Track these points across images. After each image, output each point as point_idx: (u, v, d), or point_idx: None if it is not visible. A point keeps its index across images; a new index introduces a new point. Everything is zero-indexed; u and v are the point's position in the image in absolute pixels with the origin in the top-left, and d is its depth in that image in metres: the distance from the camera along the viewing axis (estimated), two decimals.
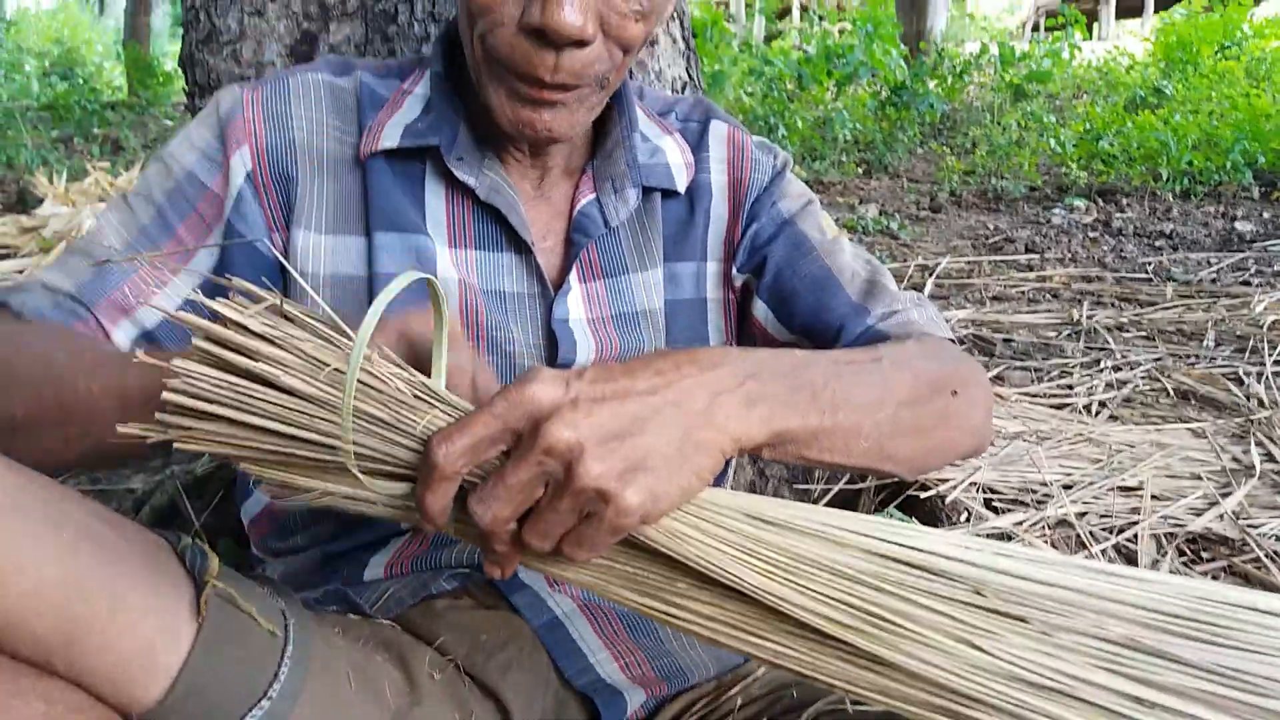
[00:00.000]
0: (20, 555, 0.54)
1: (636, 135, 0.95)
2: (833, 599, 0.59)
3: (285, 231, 0.87)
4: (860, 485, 1.66)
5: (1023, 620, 0.57)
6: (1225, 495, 1.58)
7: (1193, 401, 2.13)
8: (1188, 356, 2.49)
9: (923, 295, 0.96)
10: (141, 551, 0.62)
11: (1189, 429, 1.84)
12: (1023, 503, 1.49)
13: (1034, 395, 2.11)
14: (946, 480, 1.57)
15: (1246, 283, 3.54)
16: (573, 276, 0.91)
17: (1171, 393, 2.17)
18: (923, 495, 1.55)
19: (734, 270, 0.99)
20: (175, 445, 0.60)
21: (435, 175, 0.90)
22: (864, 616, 0.58)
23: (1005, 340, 2.63)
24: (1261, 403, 2.05)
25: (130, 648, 0.58)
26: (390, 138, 0.88)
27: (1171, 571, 1.41)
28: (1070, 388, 2.20)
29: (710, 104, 1.05)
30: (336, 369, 0.58)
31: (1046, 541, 1.40)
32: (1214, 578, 1.42)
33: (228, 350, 0.58)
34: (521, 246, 0.90)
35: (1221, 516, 1.52)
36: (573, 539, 0.59)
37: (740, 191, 0.99)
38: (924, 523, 1.48)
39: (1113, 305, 3.27)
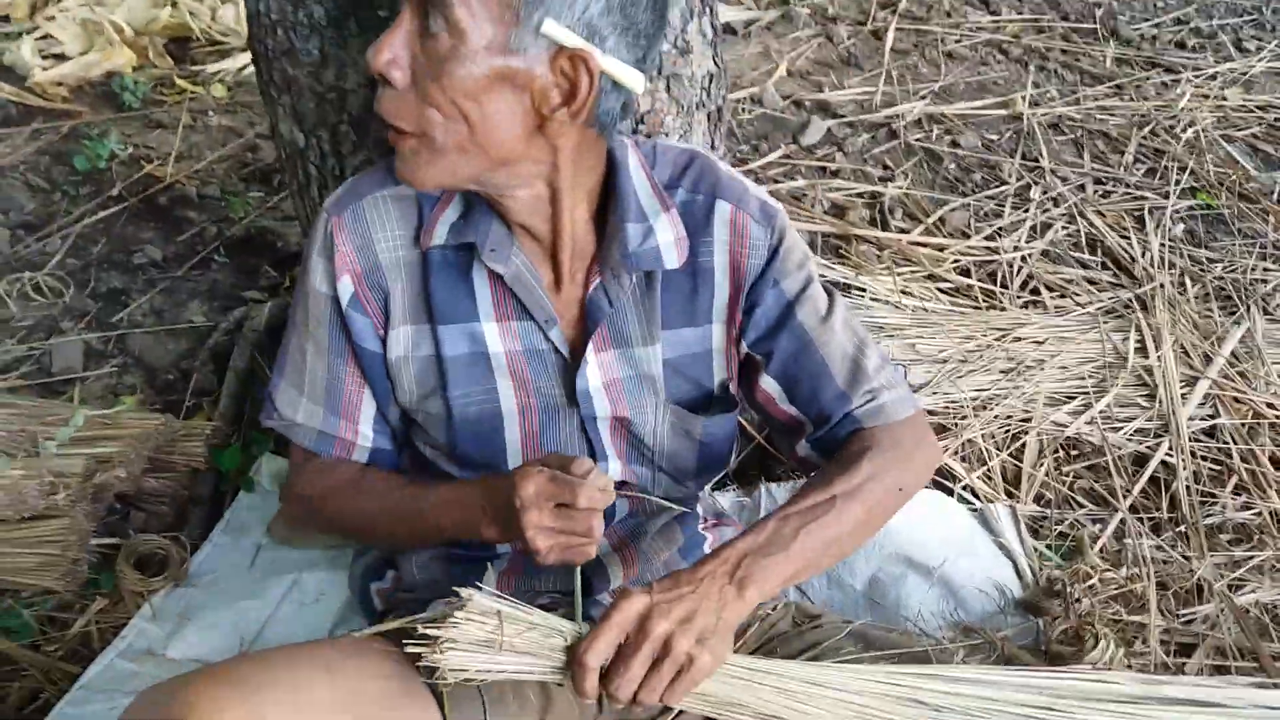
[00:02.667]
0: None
1: (629, 226, 1.10)
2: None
3: (386, 331, 1.16)
4: None
5: None
6: (1100, 396, 2.01)
7: (1099, 254, 2.50)
8: (1106, 181, 2.80)
9: (898, 370, 1.23)
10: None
11: (1087, 312, 2.22)
12: (946, 427, 1.90)
13: (969, 248, 2.44)
14: None
15: (1182, 44, 3.71)
16: (590, 351, 1.15)
17: (1083, 243, 2.52)
18: None
19: (741, 341, 1.21)
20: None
21: (479, 263, 1.12)
22: None
23: (951, 149, 2.87)
24: (1152, 263, 2.43)
25: None
26: (440, 235, 1.11)
27: (1045, 477, 1.87)
28: (1000, 232, 2.53)
29: (716, 174, 1.18)
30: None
31: (957, 460, 1.83)
32: (1075, 479, 1.88)
33: (471, 647, 0.93)
34: (547, 319, 1.13)
35: (1091, 421, 1.95)
36: (670, 690, 0.96)
37: (740, 275, 1.17)
38: None
39: (1056, 76, 3.46)
